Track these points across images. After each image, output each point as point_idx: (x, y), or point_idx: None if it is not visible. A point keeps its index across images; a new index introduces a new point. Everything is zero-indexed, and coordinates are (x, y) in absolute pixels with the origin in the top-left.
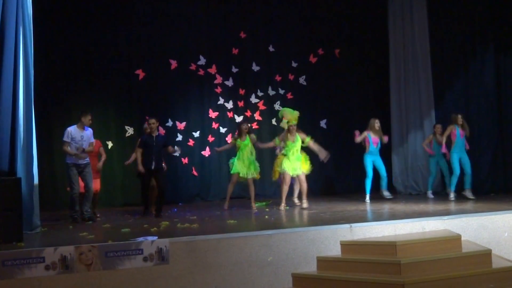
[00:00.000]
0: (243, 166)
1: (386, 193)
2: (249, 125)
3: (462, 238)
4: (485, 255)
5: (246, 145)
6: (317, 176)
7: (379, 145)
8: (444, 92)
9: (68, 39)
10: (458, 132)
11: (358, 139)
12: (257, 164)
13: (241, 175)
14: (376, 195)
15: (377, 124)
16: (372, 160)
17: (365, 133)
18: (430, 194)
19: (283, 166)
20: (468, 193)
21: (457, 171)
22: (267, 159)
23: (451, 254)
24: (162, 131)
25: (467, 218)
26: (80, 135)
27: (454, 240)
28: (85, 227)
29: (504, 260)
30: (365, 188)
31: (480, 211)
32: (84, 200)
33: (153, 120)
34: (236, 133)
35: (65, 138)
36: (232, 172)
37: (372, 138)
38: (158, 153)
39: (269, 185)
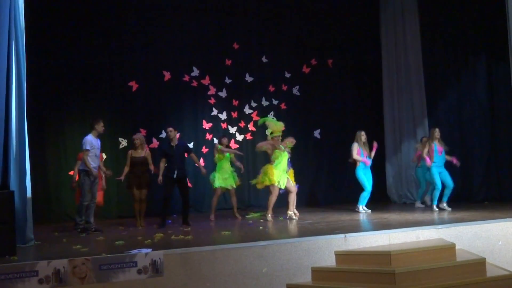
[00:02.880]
0: (224, 178)
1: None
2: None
3: (456, 247)
4: (480, 263)
5: (228, 158)
6: (311, 186)
7: (368, 158)
8: (437, 101)
9: (61, 51)
10: (436, 148)
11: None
12: (235, 175)
13: (223, 185)
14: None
15: (363, 136)
16: (364, 173)
17: (356, 145)
18: (419, 203)
19: (273, 179)
20: (445, 205)
21: (438, 185)
22: (260, 167)
23: (445, 263)
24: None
25: (461, 227)
26: (96, 143)
27: (448, 249)
28: (79, 240)
29: (499, 269)
30: (360, 200)
31: (474, 220)
32: (89, 211)
33: (170, 129)
34: (216, 146)
35: (88, 147)
36: (215, 186)
37: (363, 151)
38: (180, 161)
39: (263, 196)
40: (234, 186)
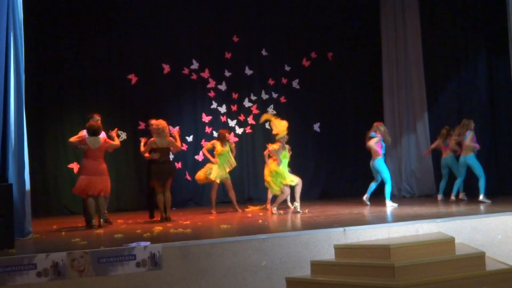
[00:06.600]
0: (221, 170)
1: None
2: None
3: (456, 241)
4: (479, 257)
5: (227, 151)
6: (311, 179)
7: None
8: (437, 95)
9: (60, 44)
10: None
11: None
12: (229, 161)
13: (218, 180)
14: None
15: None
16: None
17: (380, 138)
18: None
19: (283, 181)
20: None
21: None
22: (261, 162)
23: (444, 257)
24: None
25: (461, 221)
26: None
27: (448, 242)
28: (77, 233)
29: (498, 263)
30: (385, 194)
31: (473, 214)
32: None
33: (152, 122)
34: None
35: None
36: (211, 177)
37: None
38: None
39: (263, 190)
40: (229, 169)
